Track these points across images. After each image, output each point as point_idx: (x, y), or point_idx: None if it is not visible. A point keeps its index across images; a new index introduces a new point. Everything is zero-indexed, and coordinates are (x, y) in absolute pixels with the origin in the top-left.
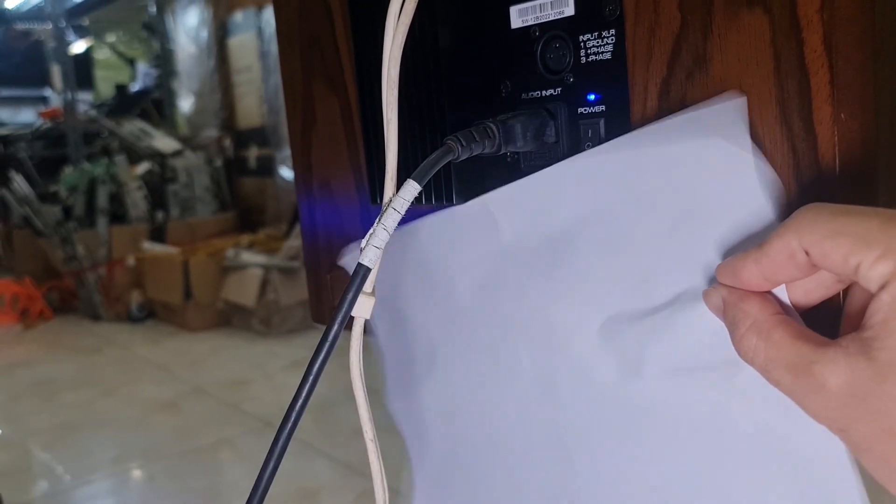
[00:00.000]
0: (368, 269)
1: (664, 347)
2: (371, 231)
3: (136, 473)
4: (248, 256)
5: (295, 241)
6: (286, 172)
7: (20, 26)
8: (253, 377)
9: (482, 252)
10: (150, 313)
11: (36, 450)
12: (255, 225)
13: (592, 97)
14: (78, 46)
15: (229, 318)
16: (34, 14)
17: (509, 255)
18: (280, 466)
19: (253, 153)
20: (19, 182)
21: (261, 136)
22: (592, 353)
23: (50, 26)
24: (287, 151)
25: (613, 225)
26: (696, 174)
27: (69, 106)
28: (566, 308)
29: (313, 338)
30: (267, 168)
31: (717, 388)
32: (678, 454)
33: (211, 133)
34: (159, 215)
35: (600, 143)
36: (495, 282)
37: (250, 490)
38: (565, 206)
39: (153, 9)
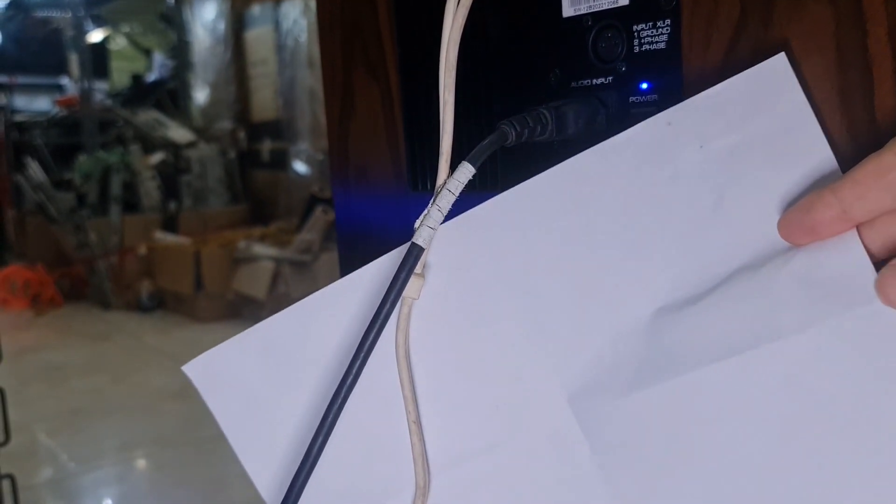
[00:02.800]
0: (422, 250)
1: (733, 324)
2: (425, 212)
3: (143, 461)
4: (259, 249)
5: (307, 235)
6: (299, 166)
7: (39, 15)
8: None
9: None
10: (160, 303)
11: (43, 435)
12: (266, 218)
13: (645, 86)
14: (95, 36)
15: (239, 309)
16: (53, 2)
17: (511, 273)
18: None
19: (266, 146)
20: (34, 168)
21: (275, 129)
22: (646, 350)
23: (68, 15)
24: (301, 145)
25: (641, 214)
26: (743, 138)
27: (85, 94)
28: (604, 308)
29: None
30: (280, 161)
31: (804, 350)
32: (765, 430)
33: (225, 125)
34: (172, 205)
35: None
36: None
37: (244, 474)
38: (582, 204)
39: (171, 0)
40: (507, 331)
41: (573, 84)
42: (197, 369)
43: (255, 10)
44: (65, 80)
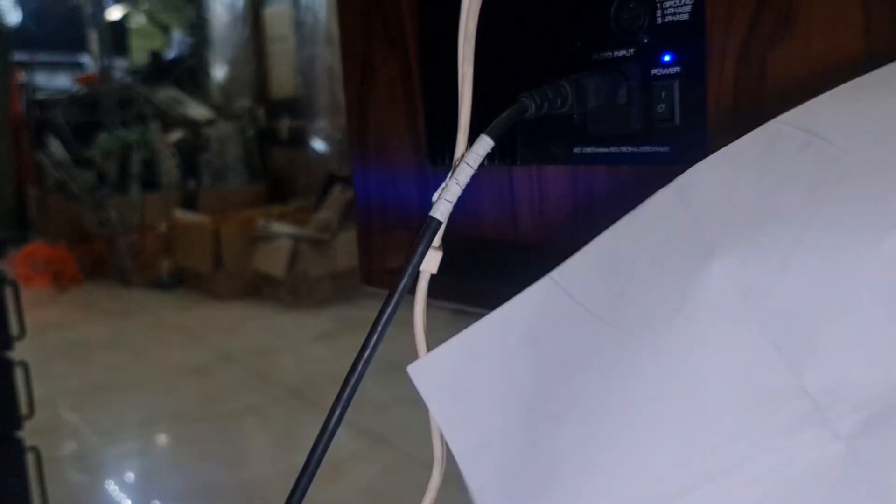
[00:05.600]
0: (440, 223)
1: None
2: (443, 185)
3: (164, 436)
4: (278, 227)
5: (325, 213)
6: (318, 144)
7: None
8: (281, 347)
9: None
10: (180, 280)
11: (67, 410)
12: (285, 196)
13: (668, 58)
14: (114, 13)
15: (258, 287)
16: None
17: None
18: (305, 437)
19: (285, 124)
20: (55, 146)
21: (293, 107)
22: None
23: None
24: (319, 123)
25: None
26: None
27: (105, 72)
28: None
29: (341, 310)
30: (299, 139)
31: None
32: None
33: (244, 103)
34: (191, 183)
35: (673, 105)
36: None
37: (271, 452)
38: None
39: None
40: None
41: (595, 56)
42: (418, 371)
43: None
44: (85, 58)
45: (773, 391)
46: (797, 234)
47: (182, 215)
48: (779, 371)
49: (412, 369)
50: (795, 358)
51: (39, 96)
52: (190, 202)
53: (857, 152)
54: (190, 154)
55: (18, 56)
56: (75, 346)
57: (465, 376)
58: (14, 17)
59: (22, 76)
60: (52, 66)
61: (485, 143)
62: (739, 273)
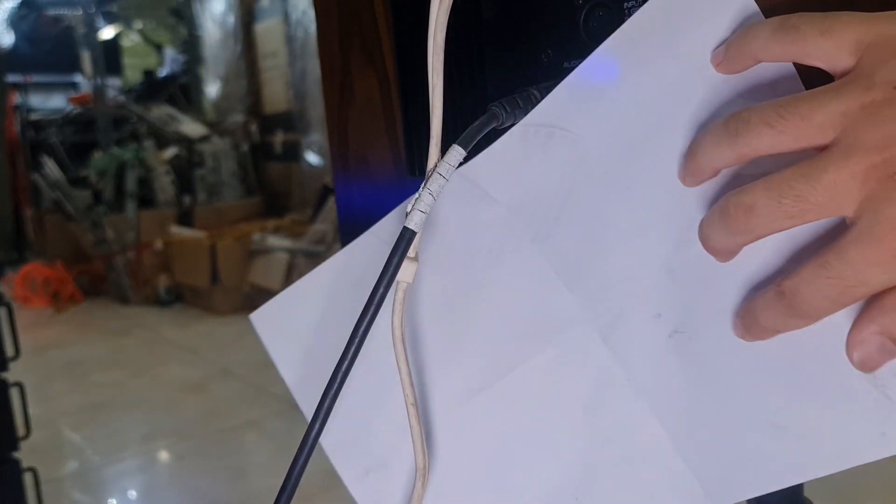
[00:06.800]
0: (414, 233)
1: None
2: (416, 195)
3: (165, 453)
4: (274, 241)
5: (320, 226)
6: (312, 157)
7: (51, 13)
8: None
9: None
10: (178, 297)
11: (67, 429)
12: (280, 210)
13: None
14: (107, 33)
15: (256, 301)
16: (64, 0)
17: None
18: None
19: (279, 138)
20: (51, 167)
21: (287, 121)
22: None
23: (80, 12)
24: (313, 136)
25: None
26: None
27: (98, 91)
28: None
29: None
30: (293, 153)
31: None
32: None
33: (237, 118)
34: (187, 200)
35: None
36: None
37: (271, 467)
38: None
39: None
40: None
41: (566, 64)
42: (260, 318)
43: (265, 2)
44: (78, 78)
45: (554, 305)
46: (565, 195)
47: (178, 231)
48: (557, 290)
49: (254, 317)
50: (569, 280)
51: (34, 117)
52: (186, 218)
53: (593, 136)
54: (185, 170)
55: (12, 77)
56: (75, 366)
57: (302, 318)
58: (7, 38)
59: (16, 97)
60: (46, 87)
61: (457, 153)
62: (529, 224)
